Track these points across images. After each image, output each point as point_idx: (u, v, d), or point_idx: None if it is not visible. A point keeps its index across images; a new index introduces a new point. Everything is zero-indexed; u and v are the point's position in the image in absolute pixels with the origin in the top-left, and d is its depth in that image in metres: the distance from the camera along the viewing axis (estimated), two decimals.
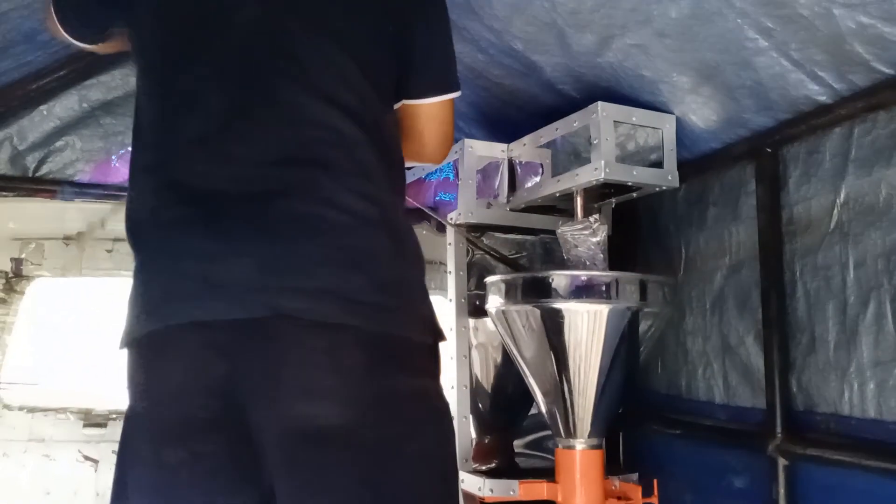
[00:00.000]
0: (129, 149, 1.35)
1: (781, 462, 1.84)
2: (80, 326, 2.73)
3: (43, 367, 2.63)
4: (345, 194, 1.17)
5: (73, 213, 2.60)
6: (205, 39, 1.25)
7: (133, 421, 1.19)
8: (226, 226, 1.13)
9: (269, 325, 1.08)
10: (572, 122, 2.05)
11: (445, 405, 1.23)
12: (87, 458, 2.61)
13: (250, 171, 1.15)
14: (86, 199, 2.54)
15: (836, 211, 1.75)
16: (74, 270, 2.66)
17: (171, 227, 1.15)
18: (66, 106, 2.49)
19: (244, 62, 1.23)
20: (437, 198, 2.71)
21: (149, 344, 1.15)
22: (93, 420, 2.64)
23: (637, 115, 2.00)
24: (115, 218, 2.63)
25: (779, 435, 1.85)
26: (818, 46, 1.57)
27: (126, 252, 2.66)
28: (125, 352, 1.20)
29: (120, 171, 2.55)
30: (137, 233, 1.21)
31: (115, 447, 2.61)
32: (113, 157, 2.55)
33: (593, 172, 1.95)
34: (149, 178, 1.21)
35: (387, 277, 1.18)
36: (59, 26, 1.43)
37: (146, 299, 1.17)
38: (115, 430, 2.63)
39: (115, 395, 2.71)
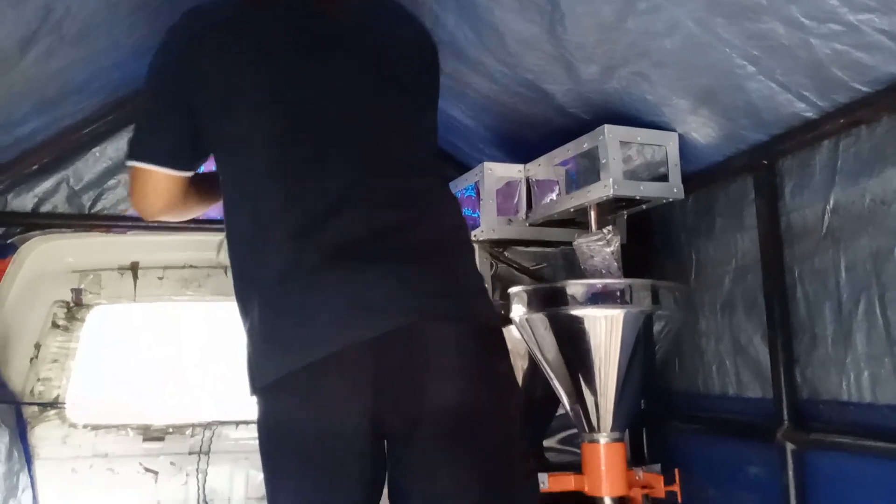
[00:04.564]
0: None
1: (790, 447, 1.99)
2: (135, 349, 2.93)
3: (103, 387, 2.82)
4: (441, 223, 1.47)
5: (126, 246, 2.75)
6: (311, 126, 1.43)
7: (290, 437, 1.36)
8: (363, 262, 1.35)
9: (415, 325, 1.34)
10: (582, 144, 2.21)
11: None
12: (147, 469, 2.80)
13: (369, 215, 1.38)
14: (137, 231, 2.67)
15: (826, 218, 1.90)
16: (129, 298, 2.84)
17: (314, 272, 1.35)
18: (116, 147, 2.65)
19: (354, 134, 1.45)
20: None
21: (310, 372, 1.32)
22: (151, 435, 2.80)
23: (642, 134, 2.16)
24: (164, 248, 2.82)
25: (786, 422, 2.00)
26: (801, 70, 1.73)
27: (176, 279, 2.88)
28: (276, 384, 1.35)
29: None
30: (272, 283, 1.37)
31: (173, 459, 2.78)
32: None
33: (603, 189, 2.12)
34: (279, 238, 1.38)
35: (480, 283, 1.51)
36: (153, 170, 1.49)
37: (296, 336, 1.34)
38: (172, 443, 2.81)
39: (170, 411, 2.91)
